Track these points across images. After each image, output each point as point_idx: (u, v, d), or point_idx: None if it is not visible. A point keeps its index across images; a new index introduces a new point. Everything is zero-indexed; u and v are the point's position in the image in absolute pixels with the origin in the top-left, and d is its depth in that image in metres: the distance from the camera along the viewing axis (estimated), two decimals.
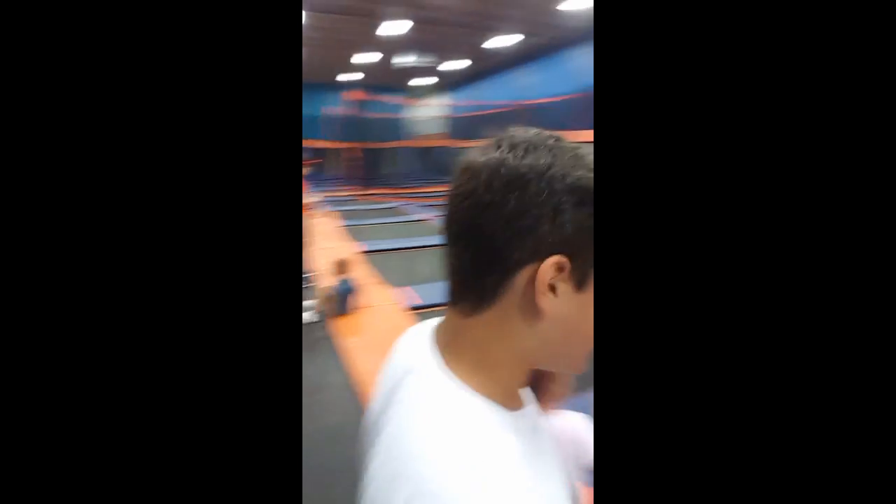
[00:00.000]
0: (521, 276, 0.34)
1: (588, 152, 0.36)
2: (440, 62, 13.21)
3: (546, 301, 0.35)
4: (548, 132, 0.37)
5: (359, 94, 14.01)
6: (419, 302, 3.80)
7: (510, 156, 0.34)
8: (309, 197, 4.39)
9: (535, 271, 0.34)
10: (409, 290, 4.21)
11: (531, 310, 0.35)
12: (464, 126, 15.74)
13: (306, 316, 3.59)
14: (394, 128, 17.24)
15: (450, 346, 0.38)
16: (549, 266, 0.34)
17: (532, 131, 0.37)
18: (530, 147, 0.35)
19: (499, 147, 0.35)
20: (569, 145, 0.36)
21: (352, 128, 15.04)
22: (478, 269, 0.35)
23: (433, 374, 0.37)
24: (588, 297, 0.36)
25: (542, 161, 0.34)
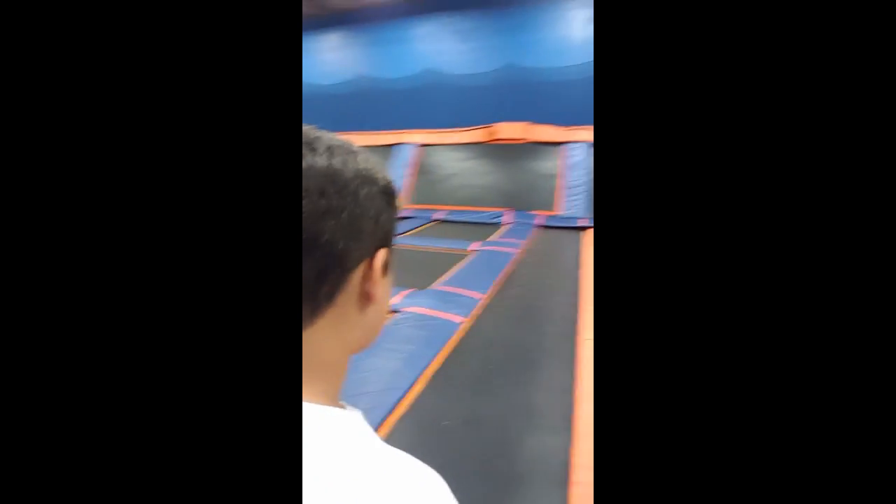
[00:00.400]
0: (355, 274, 0.36)
1: (370, 159, 0.39)
2: None
3: (375, 288, 0.38)
4: (334, 134, 0.38)
5: None
6: None
7: (336, 161, 0.35)
8: None
9: (368, 266, 0.37)
10: None
11: (362, 300, 0.38)
12: None
13: None
14: None
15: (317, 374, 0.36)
16: (380, 259, 0.38)
17: (328, 133, 0.37)
18: (346, 151, 0.36)
19: (314, 151, 0.34)
20: (357, 153, 0.38)
21: None
22: (318, 277, 0.34)
23: None
24: (389, 278, 0.41)
25: (361, 166, 0.36)
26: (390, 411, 2.02)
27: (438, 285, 3.85)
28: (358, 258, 0.36)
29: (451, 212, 7.17)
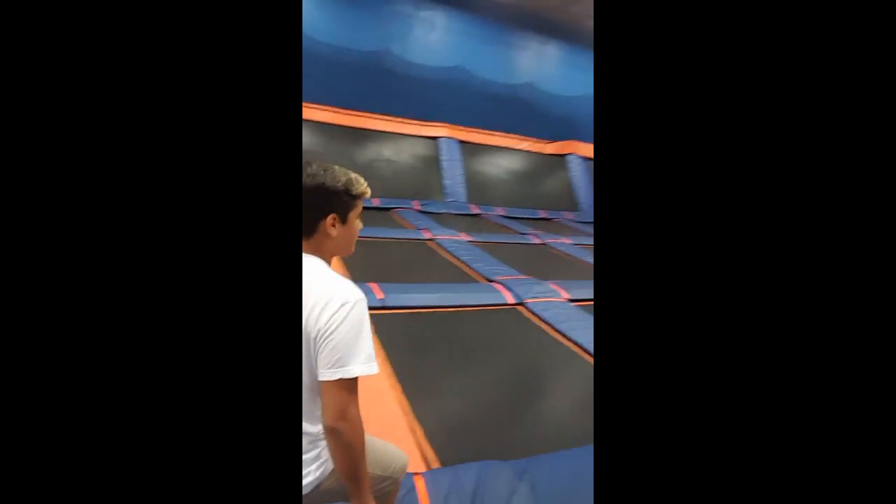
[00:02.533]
0: (322, 222, 0.87)
1: (343, 172, 0.90)
2: None
3: (331, 230, 0.88)
4: (325, 165, 0.90)
5: None
6: None
7: (308, 178, 0.85)
8: None
9: (325, 220, 0.87)
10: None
11: (327, 233, 0.88)
12: None
13: None
14: None
15: (315, 254, 0.89)
16: (329, 218, 0.88)
17: (324, 165, 0.89)
18: (321, 173, 0.87)
19: (305, 174, 0.86)
20: (334, 171, 0.89)
21: None
22: (310, 219, 0.87)
23: (315, 262, 0.87)
24: (347, 225, 0.92)
25: (322, 180, 0.86)
26: None
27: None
28: (322, 215, 0.87)
29: None
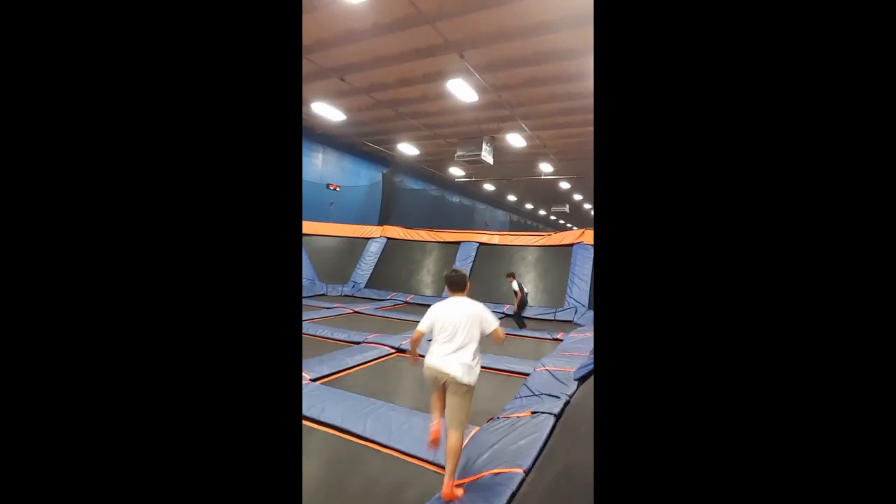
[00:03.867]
0: (468, 286, 2.36)
1: (465, 271, 2.37)
2: None
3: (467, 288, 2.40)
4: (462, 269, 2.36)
5: None
6: None
7: (459, 270, 2.40)
8: None
9: (468, 285, 2.40)
10: None
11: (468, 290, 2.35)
12: None
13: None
14: None
15: (467, 297, 2.25)
16: (468, 284, 2.44)
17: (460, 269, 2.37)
18: (462, 270, 2.41)
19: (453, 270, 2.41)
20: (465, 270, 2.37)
21: None
22: (464, 286, 2.30)
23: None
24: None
25: (465, 273, 2.40)
26: None
27: None
28: (466, 284, 2.31)
29: None
